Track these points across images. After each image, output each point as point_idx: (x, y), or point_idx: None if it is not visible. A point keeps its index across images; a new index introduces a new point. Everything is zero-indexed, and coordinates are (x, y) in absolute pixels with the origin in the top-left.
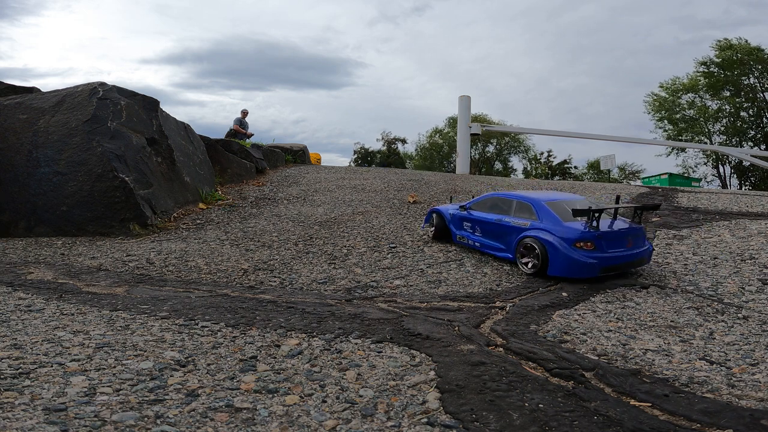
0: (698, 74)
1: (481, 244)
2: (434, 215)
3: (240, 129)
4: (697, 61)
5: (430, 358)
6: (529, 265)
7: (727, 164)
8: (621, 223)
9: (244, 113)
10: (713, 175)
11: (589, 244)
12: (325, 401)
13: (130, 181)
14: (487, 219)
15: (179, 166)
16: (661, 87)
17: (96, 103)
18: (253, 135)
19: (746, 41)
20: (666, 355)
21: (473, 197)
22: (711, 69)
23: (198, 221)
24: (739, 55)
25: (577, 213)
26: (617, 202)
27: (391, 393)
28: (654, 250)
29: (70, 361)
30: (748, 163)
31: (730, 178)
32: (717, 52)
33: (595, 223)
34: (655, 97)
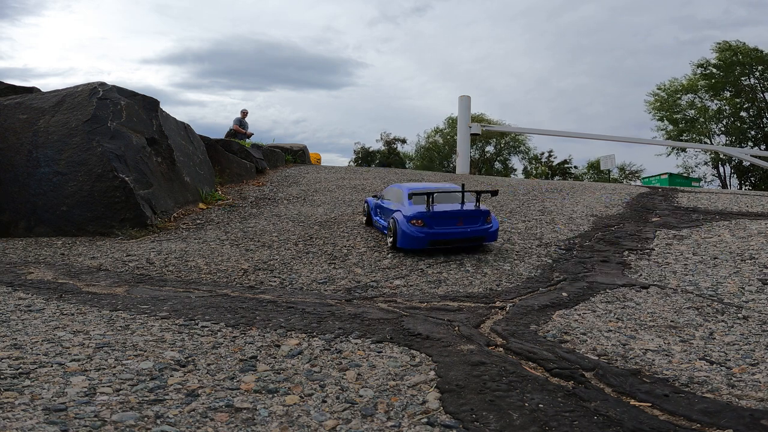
0: (697, 76)
1: (382, 226)
2: (365, 204)
3: (240, 129)
4: (694, 63)
5: (430, 358)
6: (390, 240)
7: (727, 164)
8: (458, 206)
9: (244, 113)
10: (713, 175)
11: (420, 221)
12: (325, 401)
13: (130, 181)
14: (384, 205)
15: (179, 166)
16: (659, 88)
17: (96, 103)
18: (252, 135)
19: (744, 44)
20: (666, 355)
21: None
22: (709, 70)
23: (198, 221)
24: (740, 56)
25: (412, 195)
26: (463, 189)
27: (391, 393)
28: (497, 229)
29: (70, 361)
30: (748, 163)
31: (730, 178)
32: (717, 54)
33: (433, 205)
34: (656, 97)
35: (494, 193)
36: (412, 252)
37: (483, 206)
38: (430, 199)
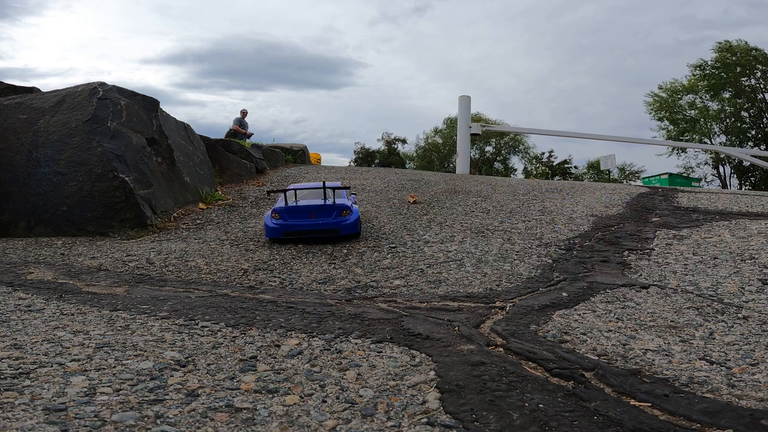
0: (696, 77)
1: None
2: None
3: (239, 129)
4: (692, 65)
5: (430, 358)
6: None
7: (727, 164)
8: (320, 201)
9: (244, 113)
10: (713, 175)
11: (277, 214)
12: (325, 401)
13: (130, 181)
14: None
15: (179, 166)
16: (660, 89)
17: (96, 103)
18: (252, 135)
19: (746, 42)
20: (666, 355)
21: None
22: (707, 71)
23: (198, 221)
24: (738, 56)
25: (269, 192)
26: (324, 186)
27: (391, 393)
28: (353, 222)
29: (70, 361)
30: (748, 163)
31: (730, 178)
32: (717, 54)
33: (292, 200)
34: (656, 97)
35: (346, 188)
36: (412, 252)
37: (342, 201)
38: (286, 195)
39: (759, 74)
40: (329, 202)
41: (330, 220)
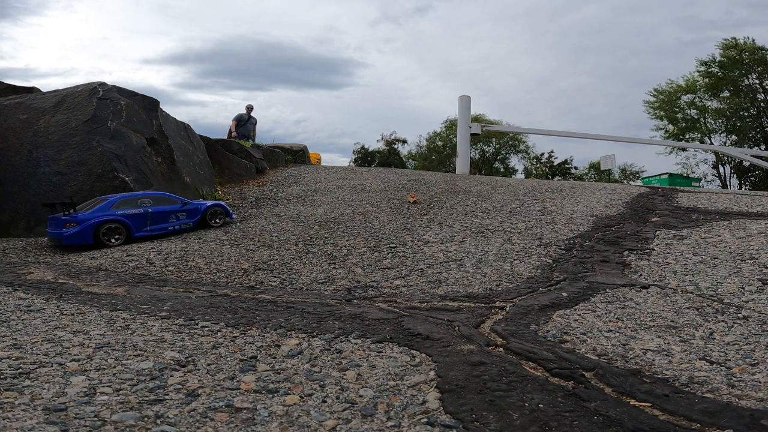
0: (699, 74)
1: None
2: None
3: (234, 132)
4: (699, 60)
5: (430, 358)
6: None
7: (727, 164)
8: (59, 215)
9: (249, 108)
10: (713, 175)
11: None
12: (325, 401)
13: (130, 181)
14: None
15: (179, 166)
16: (656, 91)
17: (96, 103)
18: (250, 141)
19: (753, 40)
20: (666, 355)
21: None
22: (712, 69)
23: None
24: (746, 54)
25: (45, 205)
26: (71, 201)
27: (391, 393)
28: (69, 235)
29: (70, 361)
30: (748, 163)
31: (730, 178)
32: (722, 51)
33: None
34: (656, 97)
35: (67, 204)
36: (412, 252)
37: (77, 215)
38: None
39: (759, 73)
40: (62, 216)
41: (58, 231)
